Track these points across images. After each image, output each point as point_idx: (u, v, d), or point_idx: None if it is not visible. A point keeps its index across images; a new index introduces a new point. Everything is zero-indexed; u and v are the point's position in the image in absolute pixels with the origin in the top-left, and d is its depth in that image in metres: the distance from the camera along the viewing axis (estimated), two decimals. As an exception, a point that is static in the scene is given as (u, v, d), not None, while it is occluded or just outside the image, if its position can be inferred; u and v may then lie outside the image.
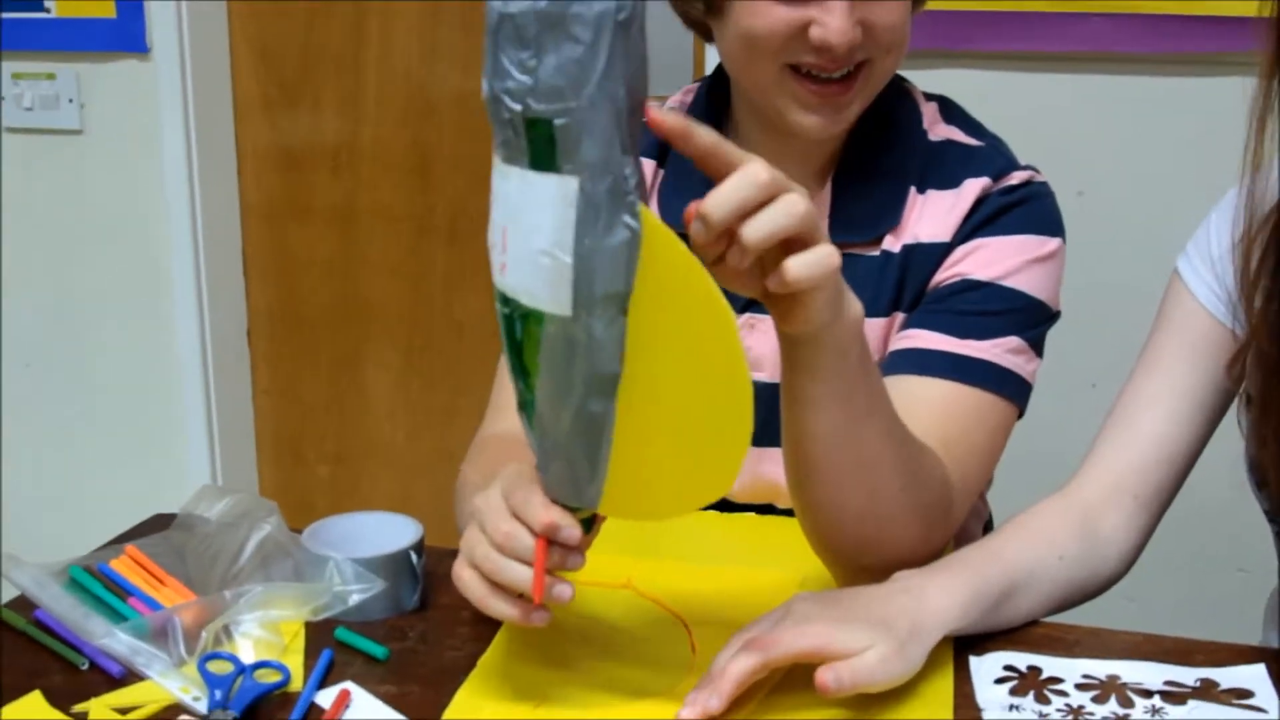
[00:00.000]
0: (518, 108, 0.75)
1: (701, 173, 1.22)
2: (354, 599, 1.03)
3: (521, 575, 0.88)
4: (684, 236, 1.23)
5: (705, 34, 1.20)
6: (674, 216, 1.23)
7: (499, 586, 0.89)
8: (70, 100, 2.59)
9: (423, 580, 1.07)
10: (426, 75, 2.54)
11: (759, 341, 1.19)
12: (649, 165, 1.27)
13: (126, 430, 2.75)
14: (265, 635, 1.02)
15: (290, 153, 2.66)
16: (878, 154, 1.21)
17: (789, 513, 1.23)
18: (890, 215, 1.18)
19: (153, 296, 2.66)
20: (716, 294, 0.79)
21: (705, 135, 0.82)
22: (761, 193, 0.81)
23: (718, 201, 0.81)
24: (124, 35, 2.53)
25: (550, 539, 0.87)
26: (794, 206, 0.82)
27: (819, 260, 0.83)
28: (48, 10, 2.55)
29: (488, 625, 1.03)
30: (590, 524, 0.90)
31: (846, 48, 1.08)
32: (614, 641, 1.00)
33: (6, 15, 2.56)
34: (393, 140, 2.59)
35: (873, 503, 0.99)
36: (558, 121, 0.75)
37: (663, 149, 1.27)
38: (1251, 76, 2.13)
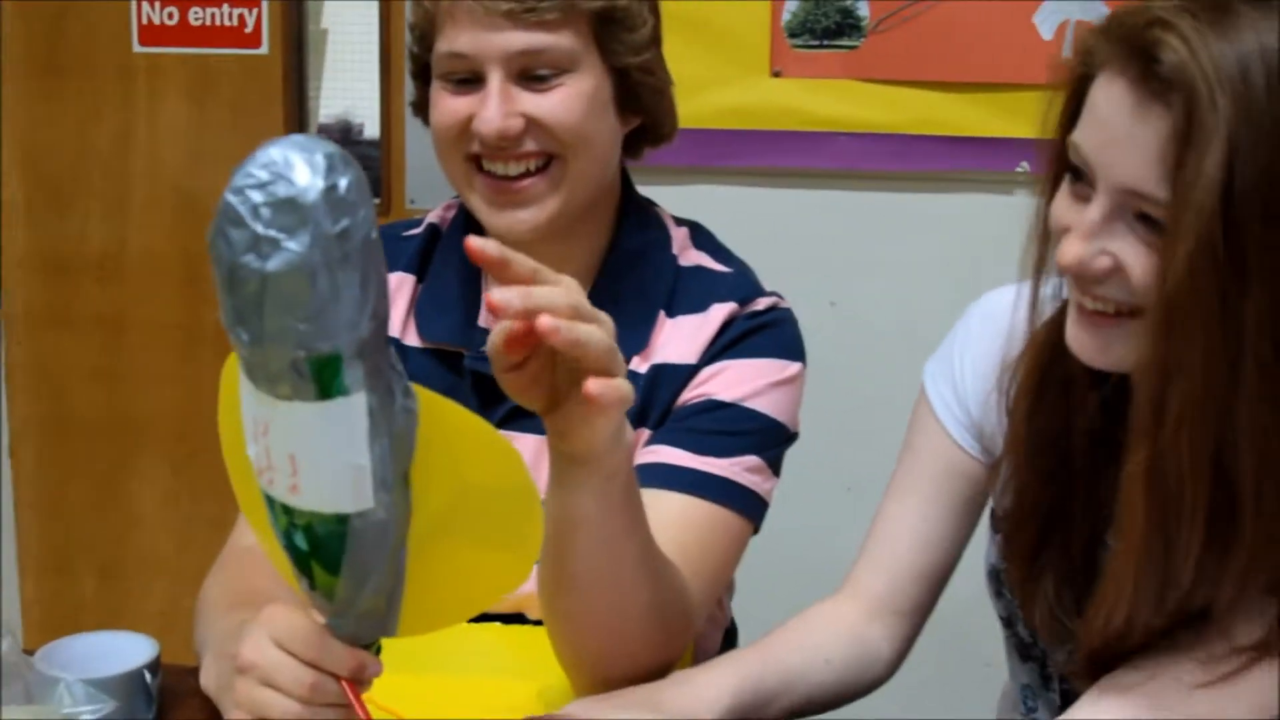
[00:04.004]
0: (300, 353, 0.72)
1: (457, 291, 1.25)
2: (85, 721, 1.02)
3: (331, 714, 0.88)
4: (443, 345, 1.24)
5: None
6: (430, 330, 1.26)
7: None
8: None
9: (158, 699, 1.06)
10: (194, 183, 2.52)
11: None
12: (409, 280, 1.28)
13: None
14: (-11, 762, 0.99)
15: (56, 260, 2.60)
16: (628, 279, 1.24)
17: (538, 623, 1.25)
18: (638, 339, 1.22)
19: (-92, 407, 2.55)
20: (489, 429, 0.82)
21: (523, 263, 0.85)
22: (578, 312, 0.85)
23: (544, 293, 0.84)
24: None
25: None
26: (607, 332, 0.87)
27: (619, 387, 0.87)
28: None
29: (224, 743, 1.02)
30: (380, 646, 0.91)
31: (497, 136, 1.14)
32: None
33: None
34: (161, 248, 2.56)
35: (622, 613, 1.02)
36: (347, 352, 0.72)
37: (422, 264, 1.29)
38: (988, 194, 2.27)
